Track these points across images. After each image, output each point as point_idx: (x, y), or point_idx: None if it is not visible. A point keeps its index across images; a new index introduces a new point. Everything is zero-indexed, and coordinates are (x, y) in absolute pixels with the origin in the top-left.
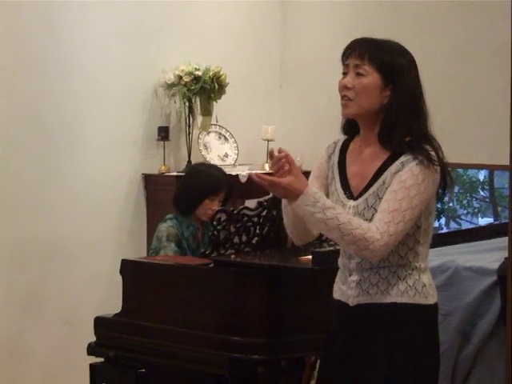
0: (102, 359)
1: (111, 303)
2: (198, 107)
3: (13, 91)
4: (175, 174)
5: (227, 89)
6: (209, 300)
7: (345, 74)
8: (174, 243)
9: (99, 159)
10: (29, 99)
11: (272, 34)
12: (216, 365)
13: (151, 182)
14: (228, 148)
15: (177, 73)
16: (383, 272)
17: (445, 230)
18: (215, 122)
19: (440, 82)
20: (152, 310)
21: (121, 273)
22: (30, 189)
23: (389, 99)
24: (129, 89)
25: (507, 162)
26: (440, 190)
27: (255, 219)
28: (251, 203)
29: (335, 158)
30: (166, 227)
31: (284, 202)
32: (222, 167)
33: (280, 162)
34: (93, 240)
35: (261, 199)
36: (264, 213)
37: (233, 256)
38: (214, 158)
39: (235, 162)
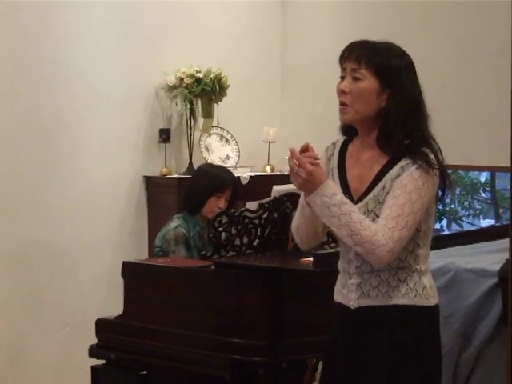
0: (103, 361)
1: (112, 305)
2: (200, 109)
3: (12, 94)
4: (176, 176)
5: (228, 91)
6: (210, 302)
7: (342, 77)
8: (182, 245)
9: (100, 161)
10: (28, 102)
11: (273, 37)
12: (217, 367)
13: (152, 184)
14: (229, 150)
15: (178, 75)
16: (383, 274)
17: (446, 232)
18: (216, 124)
19: (441, 83)
20: (153, 311)
21: (122, 275)
22: (30, 191)
23: (386, 103)
24: (130, 91)
25: (509, 164)
26: (440, 193)
27: (256, 221)
28: (252, 205)
29: (334, 161)
30: (173, 229)
31: (302, 202)
32: None
33: (308, 151)
34: (94, 242)
35: (262, 201)
36: (265, 215)
37: (234, 258)
38: (215, 160)
39: (236, 164)
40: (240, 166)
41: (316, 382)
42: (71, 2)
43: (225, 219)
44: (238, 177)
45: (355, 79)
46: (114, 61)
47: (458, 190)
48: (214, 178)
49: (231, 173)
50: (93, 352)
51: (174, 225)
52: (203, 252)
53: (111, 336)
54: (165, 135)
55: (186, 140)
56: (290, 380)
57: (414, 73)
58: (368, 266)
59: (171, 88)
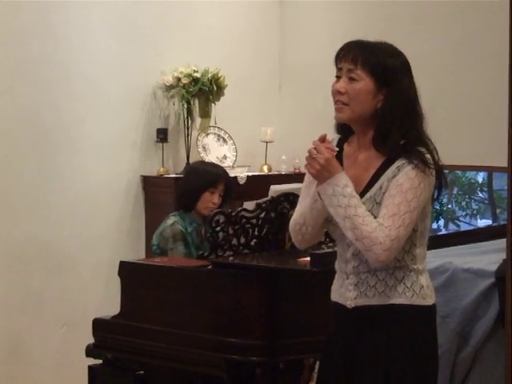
0: (100, 361)
1: (110, 305)
2: (197, 109)
3: (11, 93)
4: (174, 175)
5: (226, 90)
6: (207, 302)
7: (338, 77)
8: (180, 242)
9: (98, 161)
10: (27, 101)
11: (271, 36)
12: (214, 366)
13: (150, 184)
14: (227, 150)
15: (175, 75)
16: (380, 274)
17: (443, 232)
18: (214, 124)
19: (438, 83)
20: (150, 311)
21: (119, 274)
22: (28, 190)
23: (382, 103)
24: (127, 91)
25: (506, 164)
26: (436, 192)
27: (253, 221)
28: (249, 205)
29: None
30: (170, 226)
31: (314, 196)
32: None
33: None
34: (91, 242)
35: (259, 201)
36: (262, 215)
37: (231, 258)
38: (212, 160)
39: (234, 163)
40: (237, 166)
41: (313, 381)
42: (71, 1)
43: (222, 219)
44: (235, 176)
45: (351, 80)
46: (114, 61)
47: (455, 190)
48: (205, 174)
49: (222, 168)
50: (90, 352)
51: (171, 222)
52: (200, 252)
53: (108, 336)
54: (162, 135)
55: (183, 140)
56: (287, 380)
57: (410, 73)
58: (365, 266)
59: (169, 88)
